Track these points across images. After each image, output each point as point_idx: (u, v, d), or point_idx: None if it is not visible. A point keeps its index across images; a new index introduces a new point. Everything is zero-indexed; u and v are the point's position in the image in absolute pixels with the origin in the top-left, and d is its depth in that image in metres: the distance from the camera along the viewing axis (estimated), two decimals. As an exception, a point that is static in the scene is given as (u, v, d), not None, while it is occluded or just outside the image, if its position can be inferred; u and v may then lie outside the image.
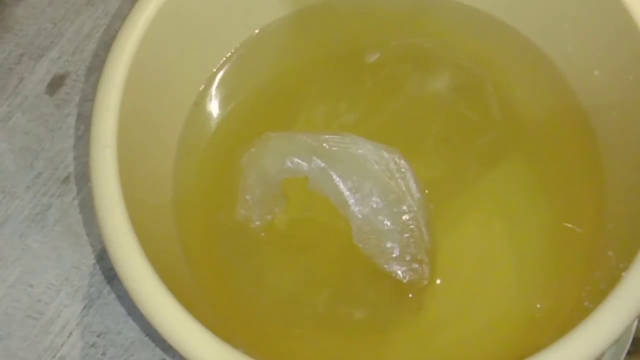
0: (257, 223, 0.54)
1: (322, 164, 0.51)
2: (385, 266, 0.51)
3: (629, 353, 0.56)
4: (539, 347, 0.43)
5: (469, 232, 0.55)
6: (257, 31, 0.60)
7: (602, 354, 0.44)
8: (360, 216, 0.51)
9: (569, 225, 0.55)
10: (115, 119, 0.48)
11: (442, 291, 0.53)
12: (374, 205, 0.50)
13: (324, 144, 0.51)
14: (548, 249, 0.54)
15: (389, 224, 0.51)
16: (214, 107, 0.59)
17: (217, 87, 0.59)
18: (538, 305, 0.52)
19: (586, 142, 0.56)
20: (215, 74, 0.59)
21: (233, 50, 0.60)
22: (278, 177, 0.52)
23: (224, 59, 0.59)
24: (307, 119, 0.57)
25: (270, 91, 0.59)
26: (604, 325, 0.42)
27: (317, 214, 0.53)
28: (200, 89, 0.59)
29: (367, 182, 0.51)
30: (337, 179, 0.51)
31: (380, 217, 0.51)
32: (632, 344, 0.56)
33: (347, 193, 0.51)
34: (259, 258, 0.54)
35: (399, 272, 0.51)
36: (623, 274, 0.44)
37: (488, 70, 0.58)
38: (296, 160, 0.51)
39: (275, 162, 0.52)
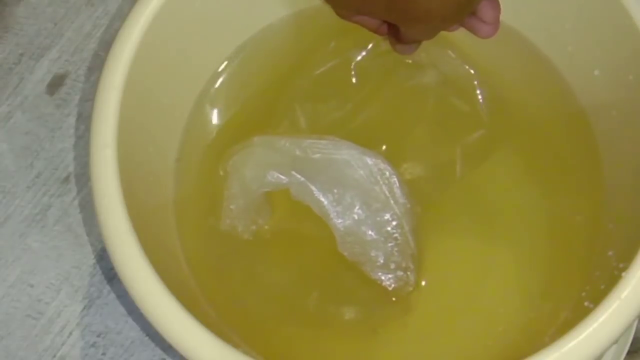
0: (242, 232, 0.54)
1: (302, 179, 0.50)
2: (371, 274, 0.51)
3: (629, 353, 0.56)
4: (539, 347, 0.43)
5: (463, 233, 0.55)
6: (257, 31, 0.60)
7: (602, 354, 0.44)
8: (342, 228, 0.50)
9: (569, 225, 0.55)
10: (115, 119, 0.48)
11: (434, 293, 0.53)
12: (356, 217, 0.50)
13: (307, 151, 0.51)
14: (547, 249, 0.54)
15: (372, 233, 0.50)
16: (214, 107, 0.59)
17: (218, 87, 0.59)
18: (538, 305, 0.52)
19: (586, 142, 0.56)
20: (215, 74, 0.59)
21: (233, 51, 0.60)
22: (259, 190, 0.52)
23: (224, 59, 0.59)
24: (298, 117, 0.56)
25: (270, 92, 0.59)
26: (604, 325, 0.43)
27: (304, 219, 0.53)
28: (201, 89, 0.59)
29: (349, 193, 0.50)
30: (318, 192, 0.50)
31: (363, 228, 0.50)
32: (632, 344, 0.56)
33: (329, 206, 0.50)
34: (251, 260, 0.54)
35: (384, 279, 0.51)
36: (623, 274, 0.44)
37: (486, 69, 0.58)
38: (276, 174, 0.51)
39: (257, 175, 0.52)
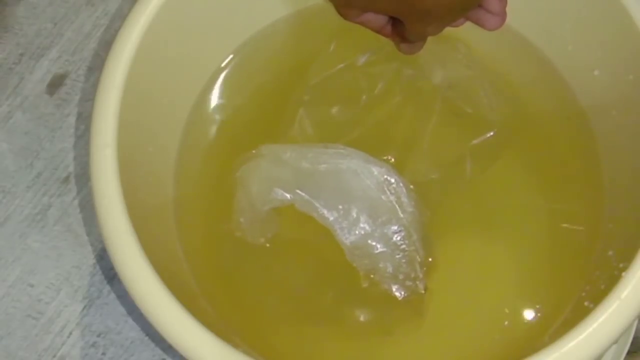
0: (252, 243, 0.53)
1: (306, 197, 0.50)
2: (381, 284, 0.51)
3: (629, 353, 0.56)
4: (539, 347, 0.43)
5: (468, 234, 0.55)
6: (257, 32, 0.60)
7: (602, 354, 0.44)
8: (349, 243, 0.50)
9: (569, 225, 0.55)
10: (115, 119, 0.49)
11: (442, 294, 0.53)
12: (362, 232, 0.50)
13: (313, 162, 0.51)
14: (548, 249, 0.54)
15: (379, 246, 0.50)
16: (214, 108, 0.59)
17: (218, 87, 0.59)
18: (538, 306, 0.52)
19: (585, 142, 0.56)
20: (215, 75, 0.59)
21: (233, 51, 0.60)
22: (265, 206, 0.52)
23: (225, 59, 0.59)
24: (303, 121, 0.56)
25: (270, 92, 0.59)
26: (604, 325, 0.43)
27: (313, 226, 0.52)
28: (201, 89, 0.59)
29: (355, 207, 0.50)
30: (322, 209, 0.50)
31: (370, 242, 0.50)
32: (632, 344, 0.56)
33: (334, 222, 0.50)
34: (261, 260, 0.54)
35: (394, 290, 0.51)
36: (623, 274, 0.44)
37: (486, 69, 0.58)
38: (281, 192, 0.51)
39: (261, 191, 0.51)
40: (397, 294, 0.51)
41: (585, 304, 0.49)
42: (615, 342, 0.44)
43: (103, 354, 0.59)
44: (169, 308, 0.44)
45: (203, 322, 0.44)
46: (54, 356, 0.59)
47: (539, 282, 0.53)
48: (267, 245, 0.54)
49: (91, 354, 0.59)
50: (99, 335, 0.59)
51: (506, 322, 0.52)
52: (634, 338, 0.56)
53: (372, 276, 0.51)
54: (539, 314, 0.52)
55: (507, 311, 0.53)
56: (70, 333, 0.59)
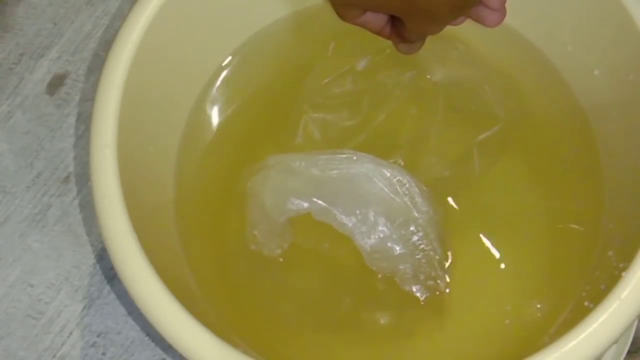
0: (268, 254, 0.53)
1: (324, 204, 0.50)
2: (402, 285, 0.51)
3: (629, 353, 0.56)
4: (539, 347, 0.43)
5: (469, 232, 0.55)
6: (256, 32, 0.60)
7: (602, 354, 0.44)
8: (368, 248, 0.50)
9: (569, 225, 0.55)
10: (115, 119, 0.49)
11: (453, 292, 0.53)
12: (381, 235, 0.50)
13: (324, 168, 0.50)
14: (548, 249, 0.54)
15: (398, 248, 0.50)
16: (214, 108, 0.59)
17: (218, 87, 0.59)
18: (538, 306, 0.52)
19: (585, 142, 0.56)
20: (215, 75, 0.59)
21: (233, 51, 0.60)
22: (281, 217, 0.51)
23: (225, 59, 0.59)
24: (308, 128, 0.56)
25: (270, 92, 0.59)
26: (604, 325, 0.43)
27: (329, 233, 0.52)
28: (201, 89, 0.59)
29: (372, 210, 0.50)
30: (341, 215, 0.50)
31: (389, 244, 0.50)
32: (632, 343, 0.56)
33: (353, 228, 0.50)
34: (268, 265, 0.54)
35: (415, 290, 0.51)
36: (623, 273, 0.44)
37: (487, 69, 0.58)
38: (297, 201, 0.50)
39: (277, 203, 0.51)
40: (418, 294, 0.51)
41: (585, 304, 0.49)
42: (615, 342, 0.44)
43: (103, 354, 0.59)
44: (169, 308, 0.44)
45: (203, 322, 0.44)
46: (54, 356, 0.59)
47: (538, 282, 0.53)
48: (280, 259, 0.54)
49: (91, 354, 0.59)
50: (99, 335, 0.59)
51: (506, 322, 0.52)
52: (634, 338, 0.56)
53: (394, 278, 0.51)
54: (539, 314, 0.52)
55: (507, 311, 0.53)
56: (70, 333, 0.59)
